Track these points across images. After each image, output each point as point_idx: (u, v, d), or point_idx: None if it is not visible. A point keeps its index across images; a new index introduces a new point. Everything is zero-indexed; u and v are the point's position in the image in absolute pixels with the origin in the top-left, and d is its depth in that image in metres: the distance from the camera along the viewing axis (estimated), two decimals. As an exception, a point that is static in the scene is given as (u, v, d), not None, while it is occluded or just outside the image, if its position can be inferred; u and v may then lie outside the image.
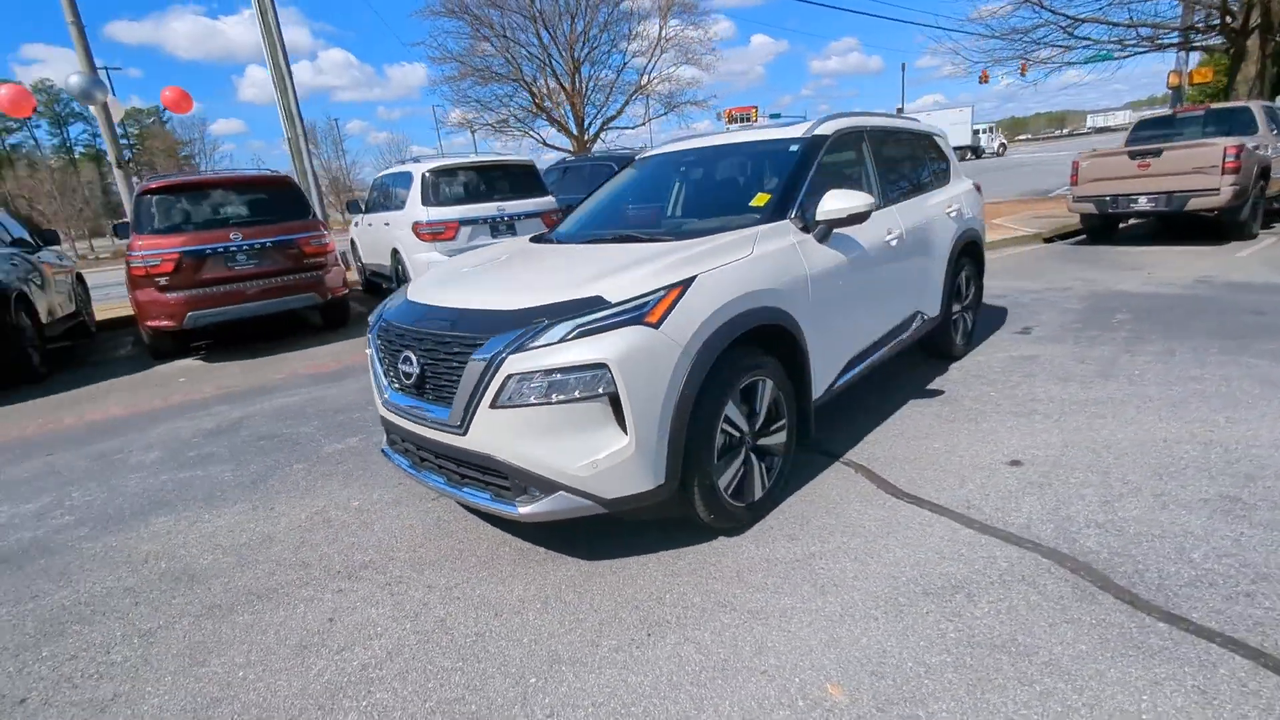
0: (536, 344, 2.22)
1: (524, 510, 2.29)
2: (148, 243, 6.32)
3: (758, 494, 2.72)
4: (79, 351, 7.99)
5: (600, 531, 2.69)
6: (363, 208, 9.76)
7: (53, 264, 8.07)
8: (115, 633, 2.40)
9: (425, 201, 7.39)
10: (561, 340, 2.20)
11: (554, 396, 2.19)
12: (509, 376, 2.21)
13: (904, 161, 4.19)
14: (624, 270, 2.45)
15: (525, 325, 2.27)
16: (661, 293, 2.32)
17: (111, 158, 10.19)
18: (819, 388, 3.04)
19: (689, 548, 2.59)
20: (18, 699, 2.10)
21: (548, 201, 7.91)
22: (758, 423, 2.68)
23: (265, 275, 6.72)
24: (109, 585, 2.71)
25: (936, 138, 4.67)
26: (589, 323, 2.22)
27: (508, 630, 2.21)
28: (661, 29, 16.88)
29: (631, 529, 2.68)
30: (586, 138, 16.41)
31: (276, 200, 7.07)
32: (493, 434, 2.28)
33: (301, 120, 12.96)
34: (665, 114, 18.26)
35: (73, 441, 4.56)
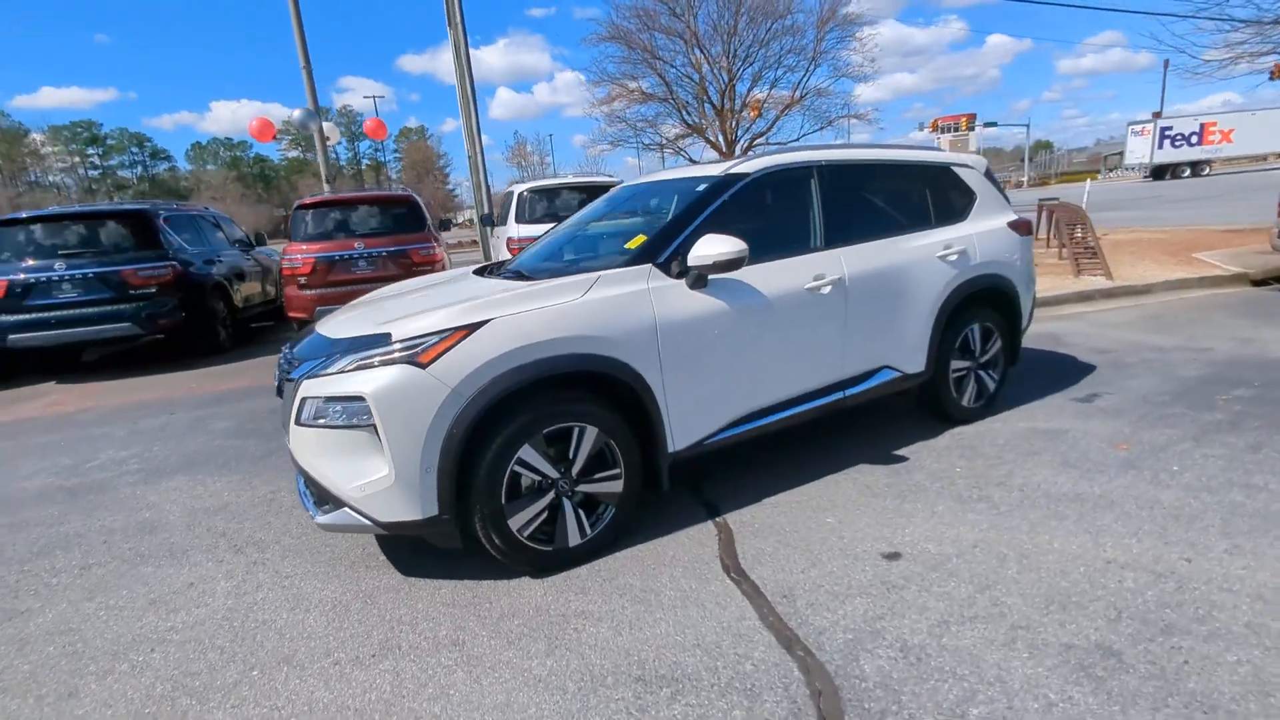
0: (326, 372, 2.47)
1: (320, 520, 2.55)
2: (295, 248, 7.71)
3: (572, 540, 2.69)
4: (271, 331, 9.97)
5: (458, 551, 2.76)
6: (492, 222, 10.79)
7: (260, 258, 10.18)
8: (72, 562, 3.12)
9: (519, 219, 8.04)
10: (340, 371, 2.43)
11: (332, 421, 2.42)
12: (304, 398, 2.49)
13: (878, 199, 3.73)
14: (438, 309, 2.59)
15: (331, 354, 2.53)
16: (444, 334, 2.43)
17: (323, 174, 12.46)
18: (681, 441, 2.89)
19: (492, 581, 2.65)
20: (-22, 597, 2.85)
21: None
22: (574, 468, 2.65)
23: (380, 279, 7.81)
24: (104, 524, 3.49)
25: (958, 169, 4.05)
26: (364, 357, 2.41)
27: (288, 625, 2.49)
28: (818, 44, 16.11)
29: (483, 551, 2.74)
30: (735, 154, 16.23)
31: (399, 216, 8.16)
32: (300, 447, 2.58)
33: (480, 139, 14.60)
34: (820, 129, 17.38)
35: (194, 405, 5.80)
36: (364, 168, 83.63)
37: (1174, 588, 2.30)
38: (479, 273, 3.71)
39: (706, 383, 2.93)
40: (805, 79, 16.38)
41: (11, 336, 7.04)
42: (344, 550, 3.00)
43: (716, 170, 3.27)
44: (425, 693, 2.07)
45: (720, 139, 16.03)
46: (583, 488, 2.70)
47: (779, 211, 3.36)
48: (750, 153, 16.36)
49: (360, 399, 2.35)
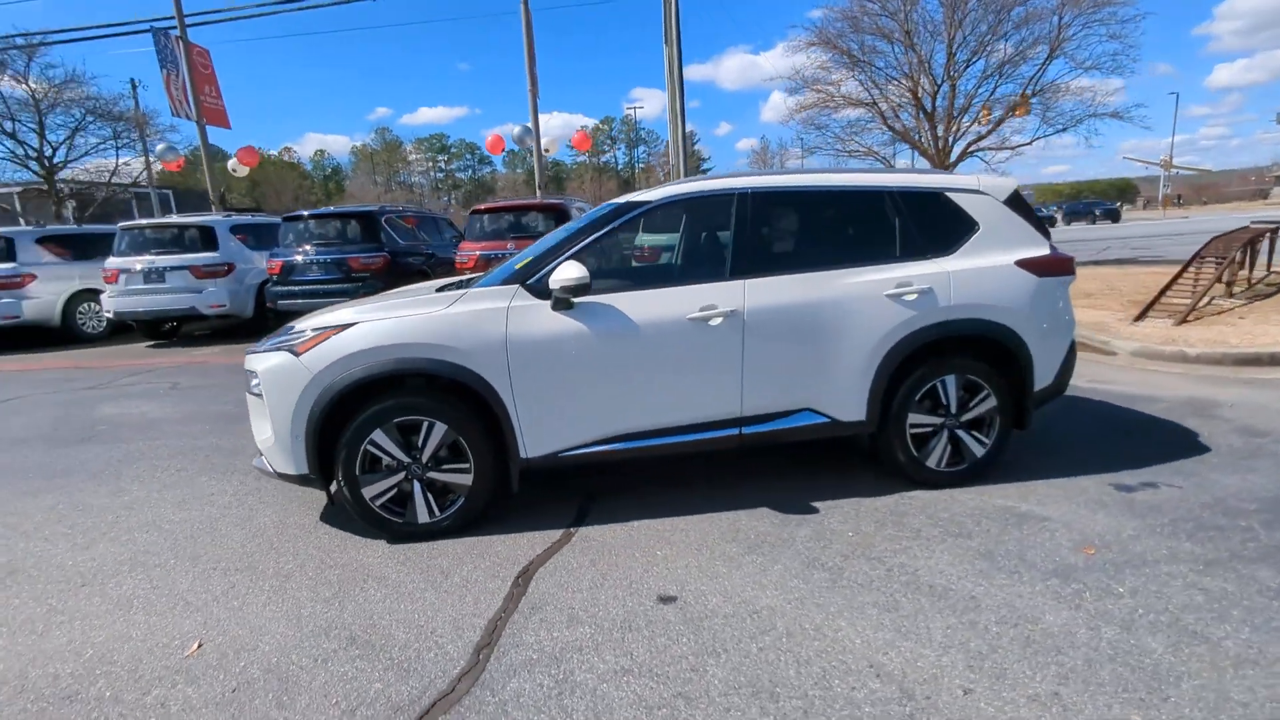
0: (255, 351, 3.23)
1: (254, 462, 3.35)
2: (466, 246, 9.16)
3: (421, 518, 3.11)
4: None
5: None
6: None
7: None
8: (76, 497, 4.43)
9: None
10: (264, 351, 3.16)
11: (251, 389, 3.19)
12: (248, 369, 3.29)
13: (817, 230, 3.36)
14: (338, 310, 3.20)
15: (275, 338, 3.28)
16: (320, 331, 3.03)
17: (538, 182, 14.28)
18: (534, 450, 3.11)
19: (351, 536, 3.18)
20: None
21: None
22: (423, 456, 3.06)
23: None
24: (129, 451, 4.83)
25: (956, 195, 3.42)
26: (278, 344, 3.11)
27: (229, 532, 3.33)
28: (1060, 31, 13.09)
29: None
30: (948, 163, 14.23)
31: (550, 220, 9.09)
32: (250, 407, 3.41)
33: (685, 150, 15.35)
34: (1061, 131, 14.04)
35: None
36: (637, 171, 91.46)
37: (906, 715, 1.92)
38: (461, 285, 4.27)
39: (563, 399, 3.10)
40: (1039, 74, 13.69)
41: (280, 302, 9.59)
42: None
43: (638, 196, 3.36)
44: (229, 595, 2.69)
45: (933, 146, 14.29)
46: (432, 475, 3.09)
47: (680, 240, 3.31)
48: (962, 160, 14.48)
49: (254, 374, 3.07)
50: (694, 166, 78.11)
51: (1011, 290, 3.35)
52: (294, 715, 2.03)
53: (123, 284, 9.76)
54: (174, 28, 14.72)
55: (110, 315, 10.07)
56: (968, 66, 13.81)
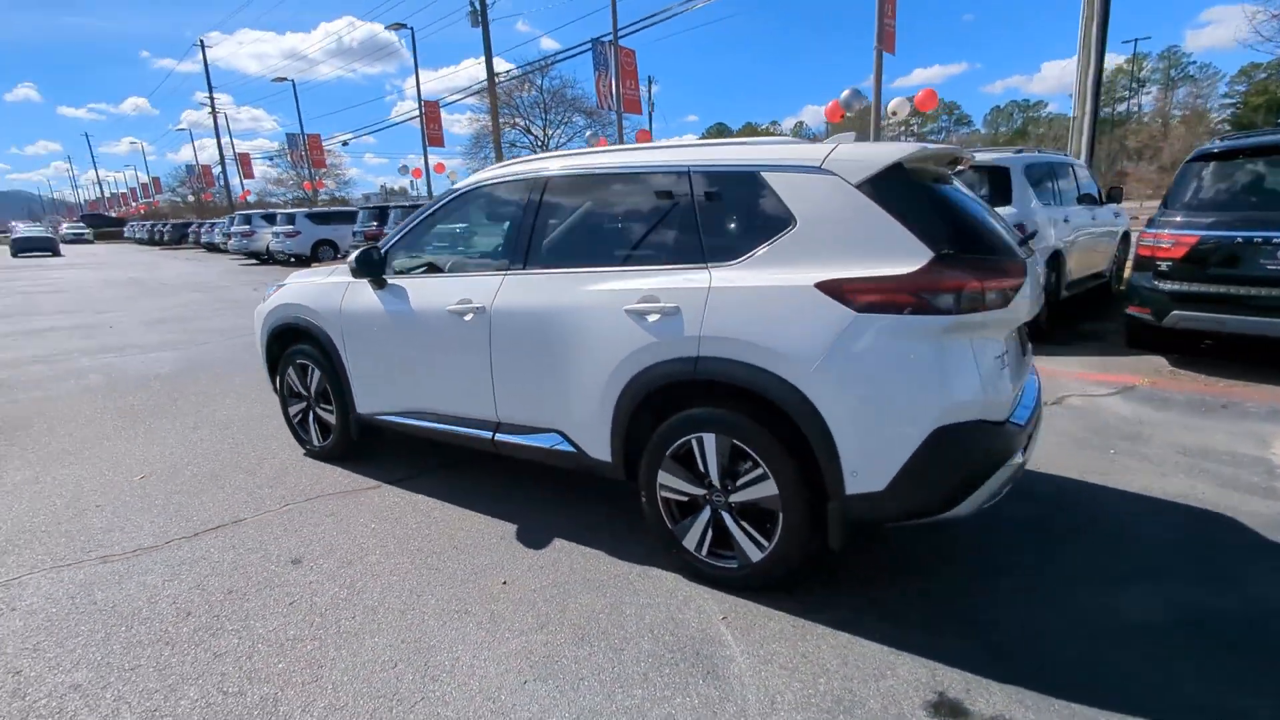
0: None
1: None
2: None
3: (315, 441, 3.92)
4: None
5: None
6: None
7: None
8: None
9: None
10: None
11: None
12: None
13: (598, 219, 2.62)
14: (307, 272, 4.15)
15: None
16: (277, 286, 4.02)
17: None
18: (363, 407, 3.54)
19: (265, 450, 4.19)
20: None
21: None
22: (311, 394, 3.84)
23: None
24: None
25: (774, 175, 2.23)
26: (272, 288, 4.26)
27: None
28: None
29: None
30: None
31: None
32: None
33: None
34: None
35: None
36: (1173, 120, 69.12)
37: None
38: None
39: (375, 367, 3.43)
40: None
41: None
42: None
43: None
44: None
45: None
46: (319, 409, 3.84)
47: (480, 226, 3.10)
48: None
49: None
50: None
51: (798, 326, 2.13)
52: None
53: None
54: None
55: None
56: None
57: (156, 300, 12.32)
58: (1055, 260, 6.16)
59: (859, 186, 2.15)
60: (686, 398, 2.43)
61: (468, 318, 2.94)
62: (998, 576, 2.51)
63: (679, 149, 2.63)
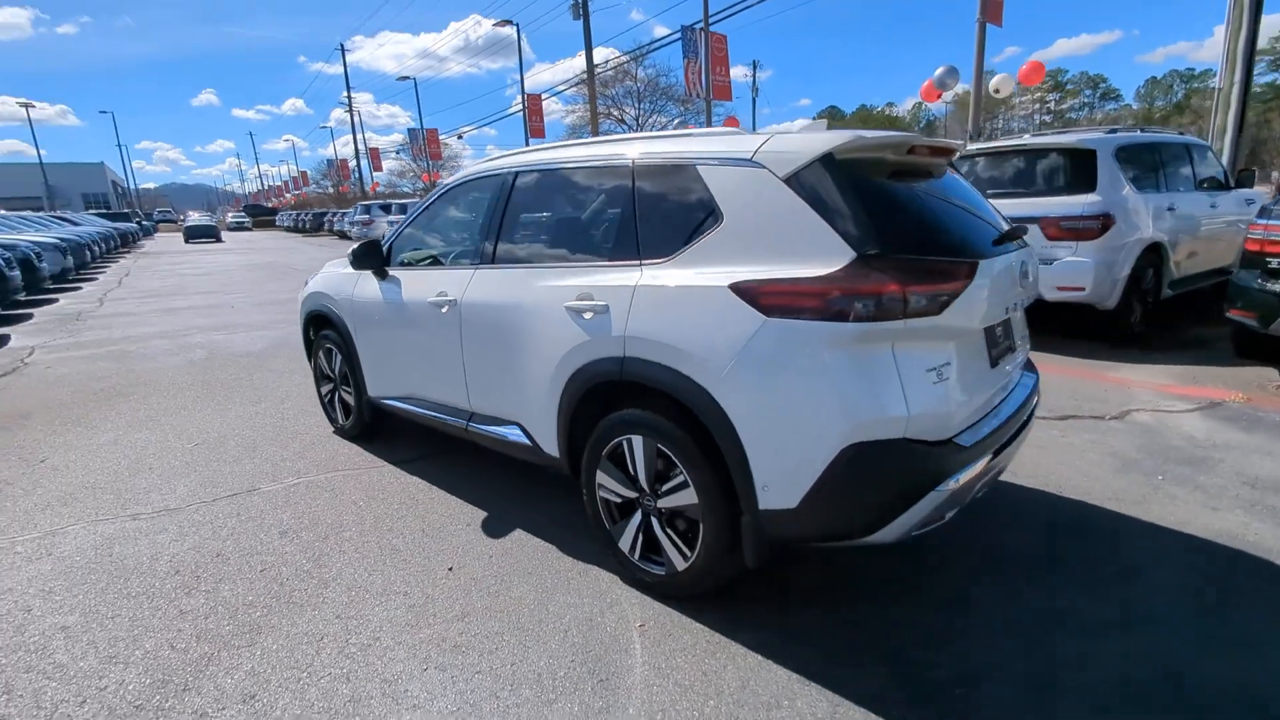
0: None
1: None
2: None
3: (341, 421, 4.22)
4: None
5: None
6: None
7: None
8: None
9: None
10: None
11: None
12: None
13: (568, 213, 2.57)
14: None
15: None
16: (317, 275, 4.34)
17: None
18: (373, 390, 3.75)
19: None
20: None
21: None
22: (335, 376, 4.12)
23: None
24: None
25: (708, 168, 2.09)
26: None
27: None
28: None
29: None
30: None
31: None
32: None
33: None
34: None
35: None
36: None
37: (118, 678, 2.09)
38: None
39: (376, 353, 3.63)
40: None
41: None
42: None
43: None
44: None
45: None
46: (342, 391, 4.12)
47: (467, 220, 3.16)
48: None
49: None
50: None
51: (712, 329, 2.01)
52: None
53: None
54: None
55: None
56: None
57: (280, 283, 13.65)
58: (1154, 254, 5.40)
59: (786, 181, 2.00)
60: (620, 398, 2.39)
61: (444, 310, 3.04)
62: (955, 611, 2.27)
63: (629, 142, 2.55)
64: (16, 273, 10.44)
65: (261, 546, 2.89)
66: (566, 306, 2.45)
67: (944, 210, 2.18)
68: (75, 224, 22.96)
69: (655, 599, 2.39)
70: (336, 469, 3.72)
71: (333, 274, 4.03)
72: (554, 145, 2.95)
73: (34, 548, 2.93)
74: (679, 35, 18.65)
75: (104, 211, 40.23)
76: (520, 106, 24.95)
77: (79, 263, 16.44)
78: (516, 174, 2.92)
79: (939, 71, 11.86)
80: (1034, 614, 2.22)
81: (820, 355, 1.86)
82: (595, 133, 23.90)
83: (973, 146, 6.27)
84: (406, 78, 35.44)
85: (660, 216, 2.33)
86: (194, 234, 36.69)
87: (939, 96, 13.42)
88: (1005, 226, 2.44)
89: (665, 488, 2.26)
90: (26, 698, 2.02)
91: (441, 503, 3.25)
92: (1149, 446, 3.50)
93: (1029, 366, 2.73)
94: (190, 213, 60.17)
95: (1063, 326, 6.32)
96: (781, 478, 1.95)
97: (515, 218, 2.91)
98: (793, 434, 1.91)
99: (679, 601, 2.35)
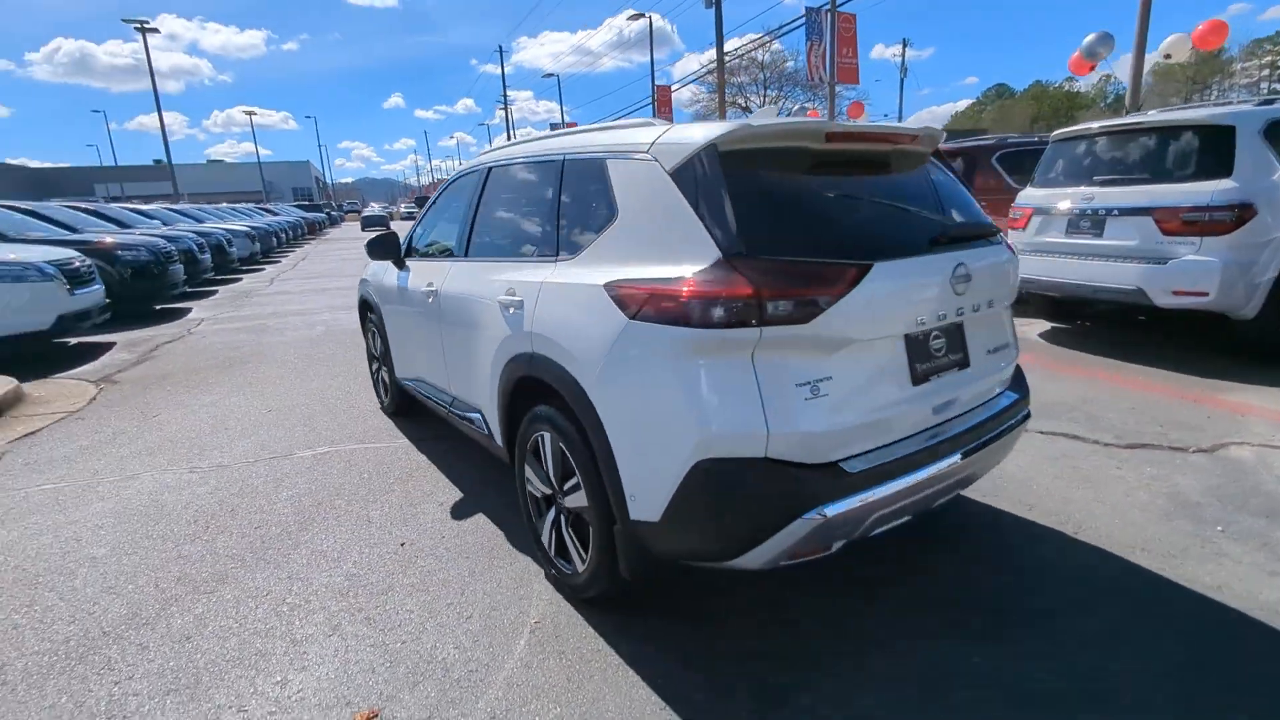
0: None
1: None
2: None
3: (382, 397, 4.59)
4: None
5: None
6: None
7: None
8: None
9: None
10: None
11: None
12: None
13: (514, 208, 2.55)
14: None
15: None
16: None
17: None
18: (400, 373, 4.04)
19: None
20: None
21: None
22: (377, 350, 4.48)
23: None
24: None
25: (614, 162, 2.00)
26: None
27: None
28: None
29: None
30: None
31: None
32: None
33: None
34: None
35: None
36: None
37: (105, 605, 2.47)
38: None
39: (396, 337, 3.90)
40: None
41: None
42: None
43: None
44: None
45: None
46: (383, 370, 4.47)
47: (458, 213, 3.26)
48: None
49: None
50: None
51: (589, 329, 1.94)
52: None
53: (1033, 233, 5.34)
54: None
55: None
56: None
57: (414, 268, 14.98)
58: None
59: (672, 175, 1.88)
60: (539, 393, 2.39)
61: (430, 300, 3.20)
62: (868, 657, 2.03)
63: (563, 137, 2.53)
64: (207, 256, 12.39)
65: (268, 506, 3.24)
66: (498, 300, 2.49)
67: (857, 207, 1.94)
68: (274, 214, 26.70)
69: (566, 597, 2.38)
70: (363, 441, 4.07)
71: (377, 264, 4.38)
72: (521, 140, 2.98)
73: (109, 489, 3.51)
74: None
75: (304, 203, 46.32)
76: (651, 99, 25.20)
77: (265, 248, 19.12)
78: (490, 169, 3.00)
79: (1089, 39, 10.13)
80: (965, 677, 1.93)
81: (676, 363, 1.74)
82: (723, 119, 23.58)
83: (1094, 125, 5.41)
84: (551, 75, 37.25)
85: (575, 212, 2.29)
86: (369, 222, 41.10)
87: (1091, 68, 11.52)
88: (959, 225, 2.11)
89: (567, 486, 2.24)
90: (38, 611, 2.45)
91: (430, 480, 3.45)
92: (1225, 490, 2.86)
93: (1015, 383, 2.35)
94: (372, 204, 67.78)
95: (1188, 337, 5.33)
96: (645, 489, 1.86)
97: (484, 212, 2.99)
98: (653, 445, 1.81)
99: (588, 602, 2.32)
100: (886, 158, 2.11)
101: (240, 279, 14.13)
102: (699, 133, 1.87)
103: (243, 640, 2.24)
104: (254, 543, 2.89)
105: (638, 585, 2.11)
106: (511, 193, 2.87)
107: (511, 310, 2.38)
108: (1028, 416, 2.33)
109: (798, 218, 1.83)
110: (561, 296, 2.13)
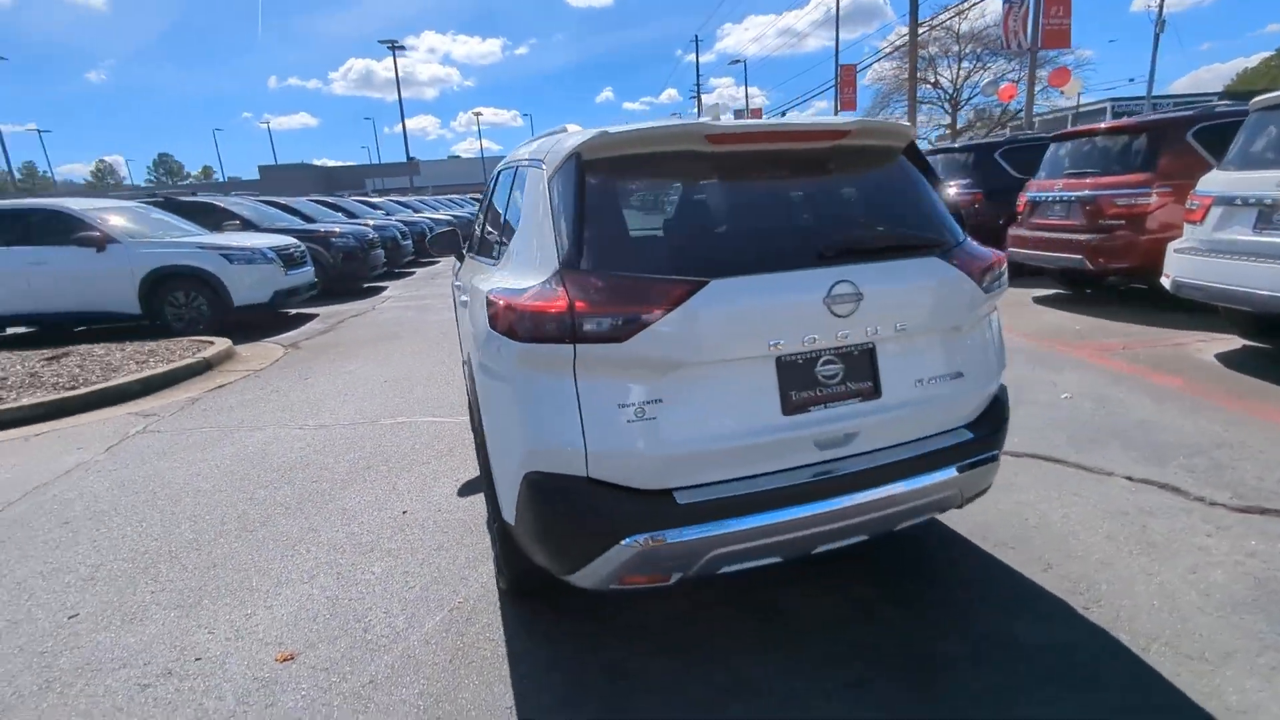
0: None
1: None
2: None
3: (467, 377, 5.06)
4: None
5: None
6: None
7: None
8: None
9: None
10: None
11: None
12: None
13: (493, 211, 2.65)
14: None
15: None
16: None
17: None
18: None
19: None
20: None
21: None
22: (464, 340, 4.93)
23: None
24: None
25: (527, 169, 1.96)
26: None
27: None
28: None
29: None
30: None
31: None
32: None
33: None
34: None
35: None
36: None
37: (182, 530, 3.11)
38: None
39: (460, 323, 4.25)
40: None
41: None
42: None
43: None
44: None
45: None
46: (466, 353, 4.92)
47: (478, 214, 3.46)
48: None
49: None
50: None
51: (477, 334, 2.06)
52: (319, 407, 4.95)
53: (1211, 229, 4.43)
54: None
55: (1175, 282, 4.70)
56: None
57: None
58: None
59: (547, 183, 1.87)
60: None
61: (460, 294, 3.48)
62: (735, 700, 1.87)
63: (532, 142, 2.58)
64: (409, 242, 14.35)
65: (332, 464, 3.79)
66: (460, 301, 2.66)
67: (730, 216, 1.75)
68: (484, 202, 29.95)
69: (498, 585, 2.50)
70: (434, 415, 4.54)
71: (462, 254, 4.80)
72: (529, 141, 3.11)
73: (240, 437, 4.35)
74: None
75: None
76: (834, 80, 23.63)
77: (466, 234, 21.55)
78: (500, 171, 3.16)
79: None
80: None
81: (514, 373, 1.75)
82: (912, 99, 21.32)
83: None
84: (737, 61, 36.79)
85: (508, 218, 2.37)
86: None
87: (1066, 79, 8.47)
88: (860, 237, 1.81)
89: (492, 479, 2.35)
90: (144, 526, 3.16)
91: (460, 457, 3.76)
92: None
93: (978, 421, 1.96)
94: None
95: None
96: (505, 493, 1.90)
97: (483, 214, 3.18)
98: (505, 452, 1.86)
99: (516, 594, 2.40)
100: (812, 157, 1.88)
101: (437, 262, 16.11)
102: (572, 141, 1.84)
103: (246, 575, 2.70)
104: (304, 494, 3.41)
105: (524, 582, 2.17)
106: (494, 196, 3.02)
107: (464, 311, 2.54)
108: (989, 460, 1.93)
109: (646, 229, 1.73)
110: (475, 301, 2.23)
